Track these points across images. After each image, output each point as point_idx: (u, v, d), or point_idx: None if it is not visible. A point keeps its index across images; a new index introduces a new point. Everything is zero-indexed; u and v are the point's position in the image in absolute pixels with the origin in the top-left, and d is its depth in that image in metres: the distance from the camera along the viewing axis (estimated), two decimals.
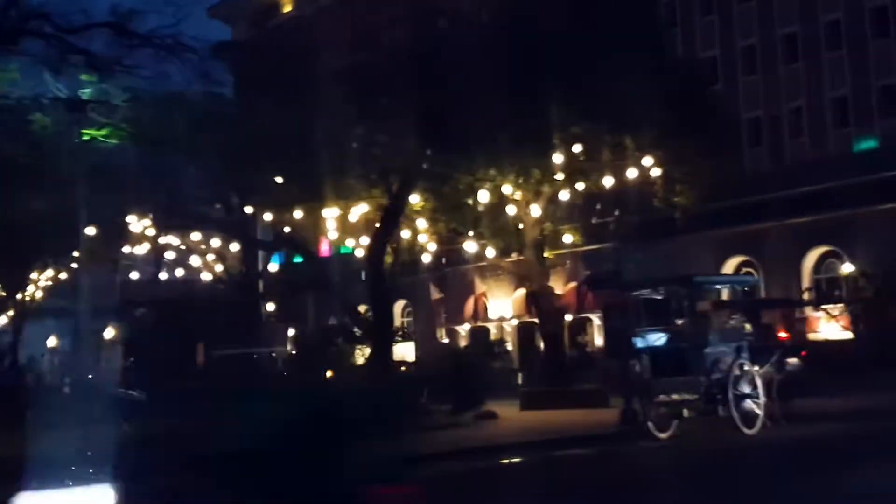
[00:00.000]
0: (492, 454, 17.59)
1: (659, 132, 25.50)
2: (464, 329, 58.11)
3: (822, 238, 46.11)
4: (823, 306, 43.52)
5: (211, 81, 22.57)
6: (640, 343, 20.83)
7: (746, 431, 19.35)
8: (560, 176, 26.34)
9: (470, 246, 30.53)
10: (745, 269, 49.80)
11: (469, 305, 59.19)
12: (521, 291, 56.62)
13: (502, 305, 57.55)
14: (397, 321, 64.72)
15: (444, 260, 59.83)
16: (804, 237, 46.26)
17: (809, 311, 45.06)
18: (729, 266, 49.65)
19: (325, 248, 43.89)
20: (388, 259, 30.57)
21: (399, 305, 64.52)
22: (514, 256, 31.91)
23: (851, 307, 41.42)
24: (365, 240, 28.26)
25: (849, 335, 41.74)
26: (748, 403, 19.96)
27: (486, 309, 58.62)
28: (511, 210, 27.51)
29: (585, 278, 30.23)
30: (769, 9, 48.92)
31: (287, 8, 63.85)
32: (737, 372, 20.07)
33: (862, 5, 45.59)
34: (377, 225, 26.84)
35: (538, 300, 31.36)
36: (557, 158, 25.59)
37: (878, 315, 40.05)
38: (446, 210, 28.12)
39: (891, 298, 38.28)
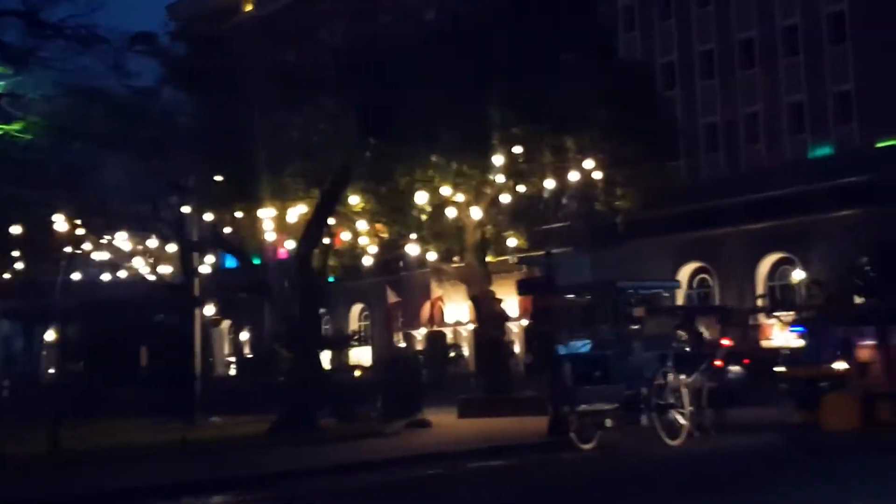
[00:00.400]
0: (399, 466, 16.93)
1: (600, 133, 24.92)
2: (420, 333, 57.46)
3: (776, 245, 45.83)
4: (776, 313, 43.14)
5: (131, 75, 21.79)
6: (562, 350, 20.14)
7: (670, 443, 18.65)
8: (501, 178, 25.70)
9: (412, 249, 29.74)
10: (700, 276, 49.55)
11: (426, 310, 58.56)
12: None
13: (459, 310, 56.93)
14: (354, 325, 64.15)
15: (401, 263, 59.32)
16: (759, 244, 45.97)
17: (763, 319, 44.68)
18: (684, 272, 49.29)
19: (282, 251, 42.71)
20: (333, 262, 29.89)
21: (357, 309, 63.87)
22: (457, 260, 31.18)
23: (803, 315, 41.01)
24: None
25: (801, 343, 41.36)
26: (671, 414, 19.23)
27: (442, 313, 58.04)
28: (451, 212, 26.81)
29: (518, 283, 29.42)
30: (727, 14, 48.66)
31: (246, 7, 63.15)
32: (660, 381, 19.33)
33: (819, 11, 45.38)
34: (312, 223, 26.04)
35: (478, 305, 30.73)
36: (498, 160, 24.98)
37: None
38: (386, 212, 27.41)
39: (841, 306, 37.90)
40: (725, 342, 30.09)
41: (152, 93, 25.29)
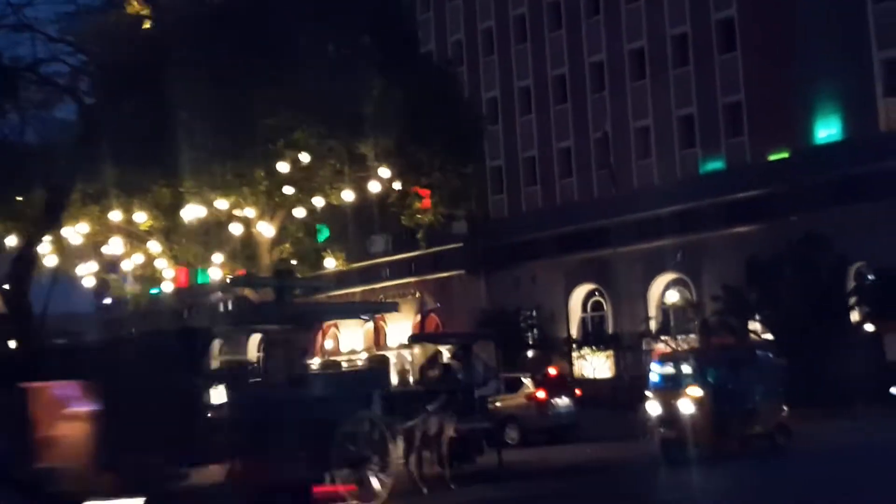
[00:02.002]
0: None
1: (397, 139, 22.36)
2: (315, 364, 54.41)
3: (668, 265, 43.45)
4: (663, 337, 40.59)
5: None
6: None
7: None
8: (289, 189, 23.01)
9: (215, 272, 26.85)
10: (594, 299, 47.05)
11: (319, 338, 55.62)
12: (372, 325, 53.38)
13: (355, 338, 54.17)
14: (252, 356, 61.06)
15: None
16: (650, 264, 43.61)
17: (653, 344, 42.10)
18: (577, 295, 46.84)
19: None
20: (131, 289, 27.06)
21: (256, 337, 60.90)
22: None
23: (686, 338, 38.56)
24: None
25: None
26: (367, 470, 15.36)
27: (338, 341, 55.18)
28: (236, 229, 24.04)
29: None
30: (617, 23, 46.48)
31: None
32: (348, 429, 15.18)
33: (709, 20, 43.22)
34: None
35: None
36: (283, 168, 22.32)
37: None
38: (171, 230, 24.58)
39: (720, 329, 35.45)
40: (552, 371, 27.57)
41: None
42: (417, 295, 50.69)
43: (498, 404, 21.90)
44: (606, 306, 45.99)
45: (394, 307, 26.20)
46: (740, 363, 20.97)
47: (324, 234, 57.69)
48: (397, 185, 23.40)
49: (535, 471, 19.52)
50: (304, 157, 22.27)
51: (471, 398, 18.58)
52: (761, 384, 20.56)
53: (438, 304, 50.13)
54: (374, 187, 23.39)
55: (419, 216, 25.19)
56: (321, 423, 14.47)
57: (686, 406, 19.38)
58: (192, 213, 22.63)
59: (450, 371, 19.27)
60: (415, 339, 18.72)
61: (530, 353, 45.48)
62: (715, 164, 43.06)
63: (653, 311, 43.54)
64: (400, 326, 51.36)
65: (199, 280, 32.94)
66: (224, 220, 23.63)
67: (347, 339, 54.44)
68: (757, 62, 41.26)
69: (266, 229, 24.21)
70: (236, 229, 23.91)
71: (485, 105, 51.22)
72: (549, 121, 48.59)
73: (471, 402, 18.61)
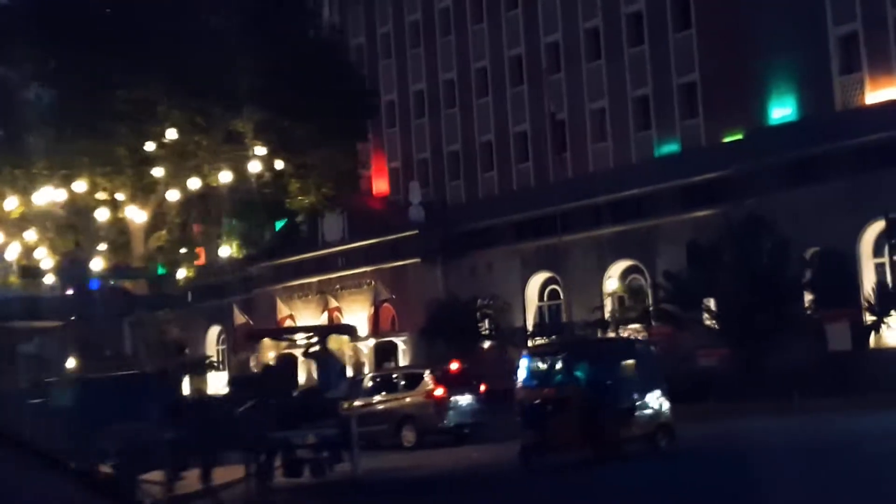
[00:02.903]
0: None
1: (271, 116, 20.65)
2: (272, 358, 52.90)
3: (623, 251, 41.75)
4: (627, 327, 38.76)
5: None
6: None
7: None
8: (159, 171, 21.32)
9: (96, 263, 25.17)
10: (551, 287, 45.35)
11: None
12: (326, 315, 51.88)
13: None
14: (211, 349, 59.56)
15: (254, 281, 55.02)
16: (605, 251, 41.90)
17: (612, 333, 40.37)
18: (534, 283, 45.17)
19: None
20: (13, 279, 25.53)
21: (214, 332, 59.45)
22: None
23: (644, 327, 36.86)
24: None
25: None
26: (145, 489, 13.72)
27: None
28: (101, 215, 22.36)
29: None
30: (575, 3, 44.73)
31: None
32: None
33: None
34: None
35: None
36: (149, 146, 20.67)
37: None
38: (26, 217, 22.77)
39: (663, 318, 33.84)
40: (454, 366, 25.94)
41: None
42: (371, 284, 49.08)
43: (352, 405, 20.21)
44: (563, 295, 44.30)
45: None
46: (616, 357, 18.80)
47: (278, 224, 56.30)
48: (279, 165, 21.60)
49: (385, 481, 17.57)
50: (171, 134, 20.61)
51: (318, 401, 16.87)
52: (641, 380, 18.35)
53: (393, 296, 48.50)
54: (254, 167, 21.67)
55: (300, 198, 23.33)
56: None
57: (550, 406, 17.38)
58: (46, 196, 21.05)
59: (270, 372, 17.61)
60: (255, 336, 16.99)
61: (486, 345, 43.90)
62: (670, 147, 41.37)
63: (607, 299, 41.88)
64: (356, 317, 49.83)
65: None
66: (91, 205, 21.96)
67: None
68: (712, 40, 39.56)
69: (137, 214, 22.54)
70: (102, 215, 22.24)
71: (441, 88, 49.66)
72: (506, 103, 46.87)
73: (321, 406, 16.90)
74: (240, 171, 21.85)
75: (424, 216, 47.96)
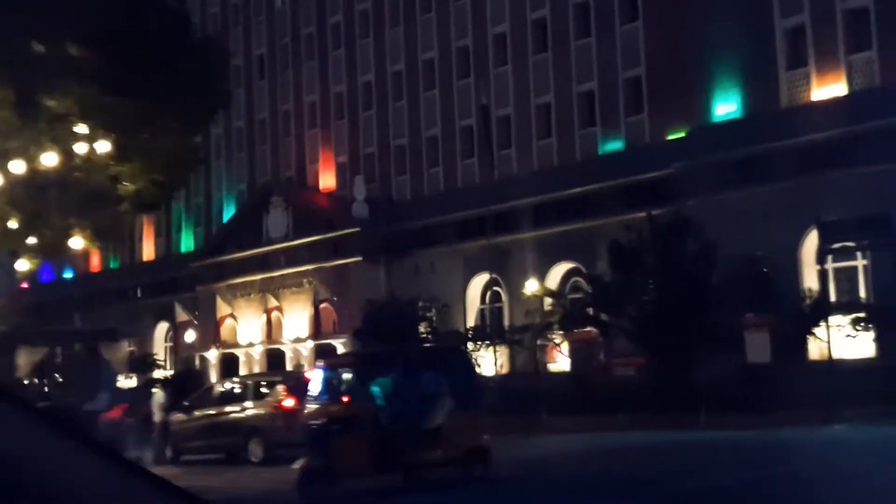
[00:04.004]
0: None
1: (92, 92, 18.68)
2: (212, 355, 51.23)
3: (564, 253, 40.00)
4: (549, 333, 37.04)
5: None
6: None
7: None
8: None
9: None
10: (494, 289, 43.57)
11: (220, 329, 52.30)
12: (273, 315, 50.13)
13: (253, 329, 50.88)
14: (159, 347, 57.86)
15: (199, 279, 53.24)
16: (547, 252, 40.15)
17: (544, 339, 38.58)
18: (476, 284, 43.41)
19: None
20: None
21: (162, 328, 57.80)
22: None
23: (563, 334, 35.11)
24: None
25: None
26: None
27: (235, 332, 51.86)
28: None
29: None
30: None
31: None
32: None
33: None
34: None
35: None
36: None
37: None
38: None
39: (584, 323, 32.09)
40: (309, 375, 23.82)
41: None
42: (310, 284, 47.30)
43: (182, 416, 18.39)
44: (504, 297, 42.59)
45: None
46: (420, 369, 15.84)
47: (229, 213, 54.44)
48: (104, 147, 19.61)
49: None
50: None
51: (71, 415, 14.85)
52: (455, 397, 15.53)
53: (334, 297, 46.69)
54: (80, 149, 19.74)
55: (126, 184, 21.26)
56: None
57: (336, 426, 14.81)
58: None
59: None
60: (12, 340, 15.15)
61: None
62: (615, 145, 39.57)
63: (548, 302, 40.04)
64: (297, 318, 48.16)
65: None
66: None
67: (246, 330, 51.14)
68: (659, 32, 37.75)
69: None
70: None
71: (389, 79, 47.87)
72: (452, 96, 45.06)
73: (71, 421, 15.05)
74: (67, 154, 19.84)
75: (369, 213, 46.20)
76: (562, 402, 29.54)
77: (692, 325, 27.31)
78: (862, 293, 31.62)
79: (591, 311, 31.24)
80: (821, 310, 27.46)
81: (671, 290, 27.89)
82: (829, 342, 27.04)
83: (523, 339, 37.41)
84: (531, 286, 37.70)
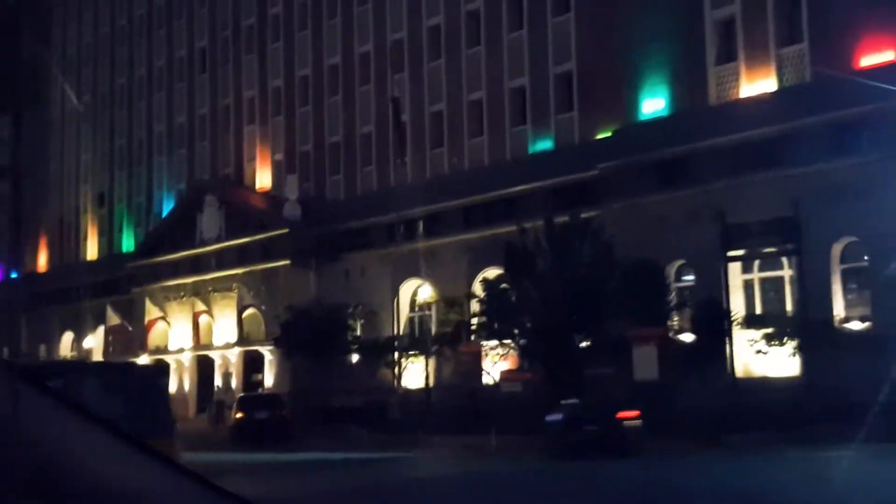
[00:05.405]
0: None
1: None
2: (144, 361, 49.10)
3: (492, 257, 37.66)
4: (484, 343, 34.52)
5: None
6: None
7: None
8: None
9: None
10: (422, 295, 41.34)
11: (149, 333, 50.14)
12: (203, 319, 48.01)
13: (184, 334, 48.78)
14: (66, 353, 55.72)
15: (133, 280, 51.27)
16: (476, 255, 37.89)
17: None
18: (406, 290, 41.16)
19: None
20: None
21: (69, 335, 55.77)
22: None
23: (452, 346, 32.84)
24: None
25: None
26: None
27: (167, 337, 49.75)
28: None
29: None
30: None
31: None
32: None
33: None
34: None
35: None
36: None
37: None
38: None
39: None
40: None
41: None
42: (235, 289, 45.13)
43: None
44: (433, 304, 40.31)
45: None
46: (87, 388, 11.64)
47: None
48: None
49: None
50: None
51: None
52: (126, 421, 11.64)
53: (259, 302, 44.51)
54: None
55: None
56: None
57: None
58: None
59: None
60: None
61: (355, 359, 39.88)
62: (545, 143, 37.32)
63: (475, 308, 37.80)
64: (227, 324, 46.08)
65: None
66: None
67: (178, 335, 48.99)
68: (590, 24, 35.56)
69: None
70: None
71: (326, 73, 45.81)
72: (387, 92, 42.86)
73: None
74: None
75: (301, 214, 44.02)
76: (451, 418, 27.44)
77: (583, 336, 25.11)
78: (789, 306, 29.16)
79: (475, 321, 29.00)
80: (719, 323, 25.08)
81: (563, 299, 25.64)
82: (730, 358, 24.76)
83: (443, 350, 35.28)
84: (424, 293, 35.48)
